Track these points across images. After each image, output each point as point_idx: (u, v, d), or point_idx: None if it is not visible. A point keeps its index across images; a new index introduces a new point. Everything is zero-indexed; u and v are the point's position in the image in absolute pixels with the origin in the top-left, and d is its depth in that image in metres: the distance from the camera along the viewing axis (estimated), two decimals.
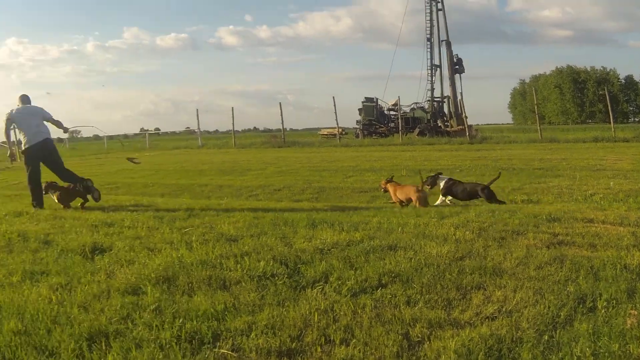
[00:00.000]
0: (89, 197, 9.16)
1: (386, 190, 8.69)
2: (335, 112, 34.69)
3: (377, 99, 41.66)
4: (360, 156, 20.62)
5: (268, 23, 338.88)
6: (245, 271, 4.50)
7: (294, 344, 3.18)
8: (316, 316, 3.52)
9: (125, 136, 73.57)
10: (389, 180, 8.65)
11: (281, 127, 36.51)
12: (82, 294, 4.09)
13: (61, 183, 9.47)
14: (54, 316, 3.65)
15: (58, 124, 10.00)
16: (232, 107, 38.24)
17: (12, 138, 9.79)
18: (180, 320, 3.50)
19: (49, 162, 9.49)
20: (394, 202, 8.44)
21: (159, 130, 75.90)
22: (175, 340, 3.24)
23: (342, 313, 3.58)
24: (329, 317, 3.53)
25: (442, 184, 8.36)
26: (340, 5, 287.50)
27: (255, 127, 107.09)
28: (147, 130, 59.94)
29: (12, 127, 9.55)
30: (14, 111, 9.46)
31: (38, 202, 9.20)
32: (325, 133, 44.06)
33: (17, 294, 4.20)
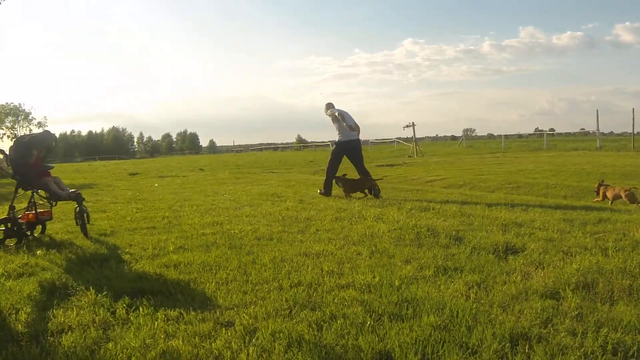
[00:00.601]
0: (366, 191, 11.04)
1: (599, 193, 10.23)
2: None
3: None
4: None
5: None
6: None
7: None
8: None
9: (519, 136, 73.51)
10: (601, 184, 10.34)
11: None
12: (500, 294, 4.11)
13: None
14: (474, 314, 3.70)
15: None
16: (633, 108, 35.01)
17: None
18: (605, 330, 3.35)
19: (354, 158, 11.59)
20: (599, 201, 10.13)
21: (554, 130, 73.53)
22: (600, 351, 3.11)
23: None
24: None
25: None
26: None
27: None
28: (542, 130, 58.74)
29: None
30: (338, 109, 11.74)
31: (327, 191, 11.47)
32: None
33: (433, 288, 4.34)
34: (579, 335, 3.30)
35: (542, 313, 3.67)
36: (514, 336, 3.33)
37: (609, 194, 9.92)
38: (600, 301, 3.91)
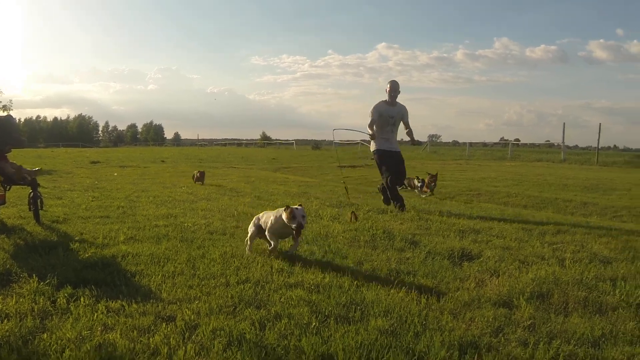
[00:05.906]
0: None
1: None
2: None
3: None
4: None
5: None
6: (622, 297, 4.16)
7: None
8: None
9: (484, 144, 74.53)
10: None
11: None
12: (452, 301, 4.00)
13: None
14: (423, 320, 3.59)
15: None
16: (600, 124, 35.89)
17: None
18: (558, 342, 3.24)
19: None
20: None
21: (519, 141, 74.60)
22: None
23: None
24: None
25: None
26: None
27: (615, 145, 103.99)
28: (507, 140, 59.63)
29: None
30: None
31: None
32: None
33: (383, 291, 4.22)
34: (530, 346, 3.19)
35: (494, 322, 3.56)
36: (463, 344, 3.20)
37: None
38: (554, 312, 3.82)
